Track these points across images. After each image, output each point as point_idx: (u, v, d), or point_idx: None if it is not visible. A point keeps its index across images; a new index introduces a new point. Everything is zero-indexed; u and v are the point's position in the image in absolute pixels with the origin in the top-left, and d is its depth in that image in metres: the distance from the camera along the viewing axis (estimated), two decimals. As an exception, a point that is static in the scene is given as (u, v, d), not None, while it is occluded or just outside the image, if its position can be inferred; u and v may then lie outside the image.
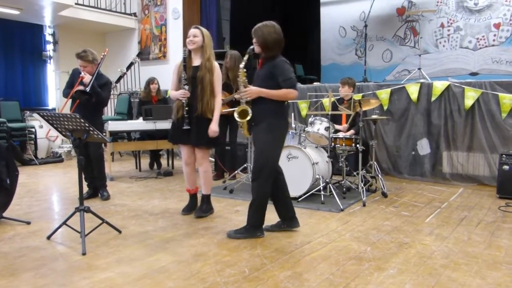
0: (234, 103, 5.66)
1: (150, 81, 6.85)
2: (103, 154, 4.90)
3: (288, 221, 3.57)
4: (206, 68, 3.82)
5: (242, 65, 3.39)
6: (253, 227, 3.40)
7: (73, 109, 4.60)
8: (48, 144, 8.10)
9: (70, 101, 4.63)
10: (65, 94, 4.62)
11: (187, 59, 3.87)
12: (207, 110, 3.82)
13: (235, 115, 3.37)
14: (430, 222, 3.86)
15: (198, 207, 4.12)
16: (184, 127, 3.82)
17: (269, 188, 3.38)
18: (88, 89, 4.35)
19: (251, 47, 3.37)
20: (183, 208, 4.18)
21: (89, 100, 4.41)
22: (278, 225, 3.57)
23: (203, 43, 3.83)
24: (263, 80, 3.34)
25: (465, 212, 4.22)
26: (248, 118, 3.31)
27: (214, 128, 3.86)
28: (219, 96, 3.93)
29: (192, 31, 3.86)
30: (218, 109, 3.92)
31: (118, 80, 8.74)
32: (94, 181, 4.81)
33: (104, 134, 5.16)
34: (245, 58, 3.39)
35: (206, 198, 4.09)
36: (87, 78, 4.43)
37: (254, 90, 3.30)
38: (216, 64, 3.90)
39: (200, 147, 3.91)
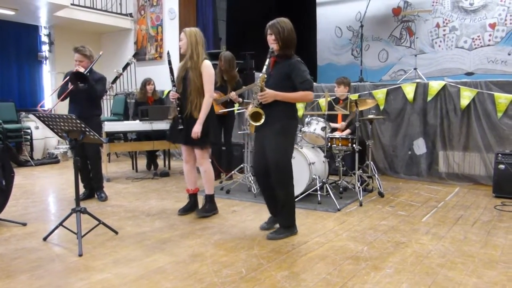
0: (229, 103, 5.67)
1: (146, 82, 6.83)
2: (101, 155, 4.89)
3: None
4: (190, 67, 3.80)
5: (264, 70, 3.22)
6: (291, 226, 3.47)
7: (62, 97, 4.50)
8: (44, 145, 8.07)
9: (62, 99, 4.59)
10: (59, 93, 4.56)
11: (180, 62, 3.93)
12: (194, 110, 3.79)
13: (248, 118, 3.30)
14: (426, 222, 3.87)
15: (202, 206, 4.11)
16: (178, 127, 3.87)
17: (293, 186, 3.42)
18: (85, 71, 4.30)
19: (271, 48, 3.24)
20: (180, 208, 4.17)
21: (85, 85, 4.30)
22: (273, 221, 3.61)
23: (189, 41, 3.80)
24: (278, 80, 3.25)
25: (461, 211, 4.23)
26: (262, 121, 3.23)
27: (195, 129, 3.74)
28: (207, 95, 3.79)
29: (179, 36, 3.89)
30: (205, 109, 3.78)
31: (114, 81, 8.66)
32: (91, 182, 4.80)
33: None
34: (266, 62, 3.24)
35: (209, 198, 4.08)
36: (81, 70, 4.38)
37: (271, 94, 3.20)
38: (205, 62, 3.79)
39: (194, 147, 3.91)
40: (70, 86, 4.40)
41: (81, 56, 4.47)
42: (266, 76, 3.25)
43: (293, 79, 3.21)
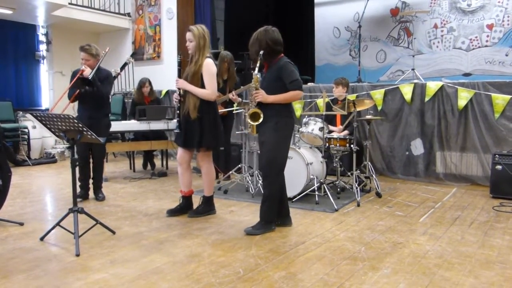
0: (228, 103, 5.66)
1: (142, 84, 6.74)
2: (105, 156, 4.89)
3: (282, 218, 3.70)
4: (193, 66, 3.78)
5: (256, 71, 3.41)
6: (269, 222, 3.55)
7: (72, 99, 4.53)
8: (41, 145, 8.05)
9: (64, 99, 4.60)
10: (69, 95, 4.57)
11: (182, 63, 3.91)
12: (191, 110, 3.77)
13: (248, 118, 3.46)
14: (423, 222, 3.88)
15: (196, 207, 4.09)
16: (175, 130, 3.88)
17: (280, 184, 3.57)
18: (90, 76, 4.30)
19: (261, 52, 3.40)
20: (170, 209, 4.12)
21: (91, 89, 4.34)
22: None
23: (197, 44, 3.77)
24: (270, 82, 3.48)
25: (458, 212, 4.24)
26: (260, 120, 3.41)
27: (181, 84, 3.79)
28: (209, 89, 3.77)
29: (187, 35, 3.82)
30: (200, 91, 3.75)
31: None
32: (88, 182, 4.78)
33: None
34: (258, 64, 3.40)
35: (204, 200, 4.06)
36: (87, 71, 4.39)
37: (263, 95, 3.40)
38: (206, 61, 3.76)
39: (191, 150, 3.90)
40: (75, 78, 4.42)
41: (87, 55, 4.47)
42: (258, 76, 3.45)
43: (284, 80, 3.42)
